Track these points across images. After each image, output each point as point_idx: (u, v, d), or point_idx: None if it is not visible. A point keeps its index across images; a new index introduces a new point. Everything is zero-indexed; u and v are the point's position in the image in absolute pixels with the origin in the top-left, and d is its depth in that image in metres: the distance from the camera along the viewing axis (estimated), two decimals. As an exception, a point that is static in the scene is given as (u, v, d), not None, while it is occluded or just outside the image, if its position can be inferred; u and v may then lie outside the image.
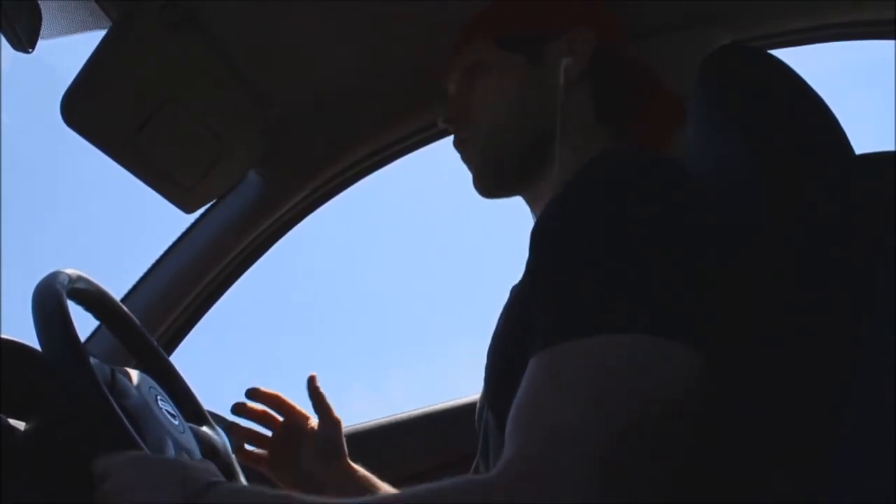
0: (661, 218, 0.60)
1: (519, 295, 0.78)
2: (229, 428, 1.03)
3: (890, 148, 0.60)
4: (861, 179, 0.60)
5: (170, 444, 0.78)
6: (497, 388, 0.75)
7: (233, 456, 0.99)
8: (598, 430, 0.51)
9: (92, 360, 0.72)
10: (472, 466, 0.92)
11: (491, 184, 0.93)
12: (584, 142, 0.85)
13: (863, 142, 0.67)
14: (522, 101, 0.89)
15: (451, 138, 0.96)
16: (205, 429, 0.96)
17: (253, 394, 1.06)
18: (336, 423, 1.06)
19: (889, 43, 1.20)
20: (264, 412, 1.07)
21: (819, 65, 1.27)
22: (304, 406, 1.08)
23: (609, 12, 0.94)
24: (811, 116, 0.68)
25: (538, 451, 0.52)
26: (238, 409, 1.06)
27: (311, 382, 1.07)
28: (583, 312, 0.56)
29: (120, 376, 0.80)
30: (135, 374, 0.85)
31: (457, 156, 0.95)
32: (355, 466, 1.06)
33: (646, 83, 0.93)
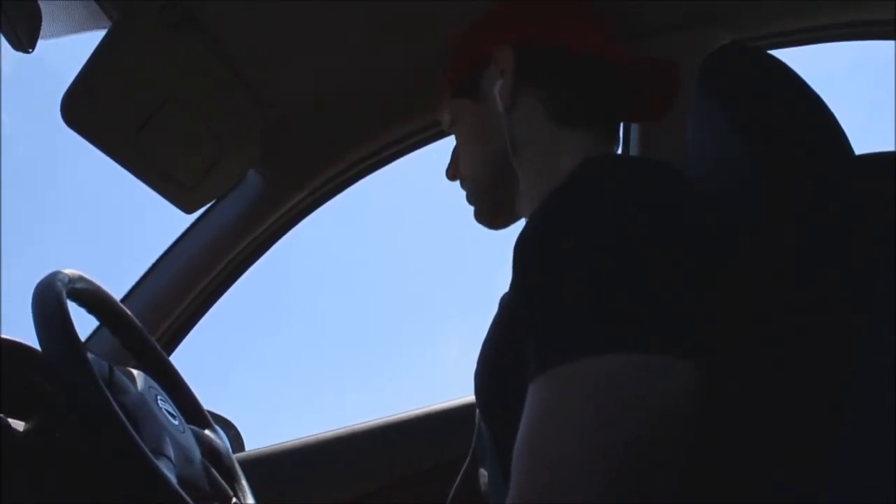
0: (648, 226, 0.59)
1: (508, 306, 0.77)
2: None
3: (890, 148, 0.60)
4: (861, 179, 0.60)
5: (167, 441, 0.78)
6: (487, 399, 0.75)
7: (234, 459, 0.98)
8: (600, 457, 0.51)
9: (90, 356, 0.72)
10: (463, 469, 0.92)
11: (489, 223, 0.97)
12: (552, 147, 0.85)
13: (863, 142, 0.67)
14: (485, 141, 0.90)
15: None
16: (207, 432, 0.96)
17: None
18: None
19: (889, 43, 1.20)
20: None
21: (819, 65, 1.27)
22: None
23: (532, 5, 0.91)
24: (811, 116, 0.68)
25: (542, 484, 0.52)
26: None
27: None
28: (574, 333, 0.55)
29: (118, 373, 0.80)
30: (135, 374, 0.85)
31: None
32: None
33: (601, 62, 0.88)
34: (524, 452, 0.55)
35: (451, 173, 0.99)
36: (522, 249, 0.64)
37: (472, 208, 0.97)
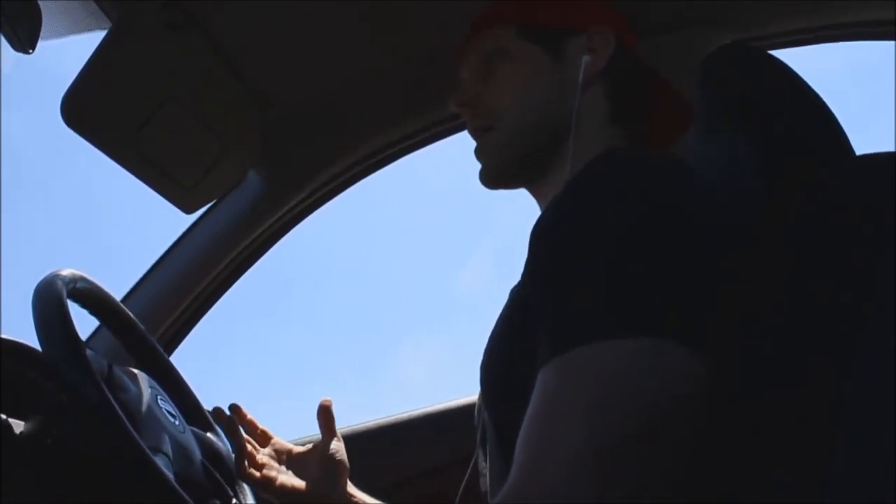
0: (659, 218, 0.59)
1: (517, 296, 0.78)
2: (224, 421, 0.98)
3: (890, 148, 0.60)
4: (861, 179, 0.60)
5: (166, 439, 0.78)
6: (494, 391, 0.75)
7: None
8: (599, 449, 0.51)
9: (89, 353, 0.72)
10: (471, 464, 0.92)
11: (498, 174, 0.91)
12: (594, 141, 0.85)
13: (863, 142, 0.67)
14: (541, 94, 0.87)
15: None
16: (209, 434, 0.95)
17: (234, 410, 1.00)
18: (340, 441, 1.01)
19: (889, 43, 1.20)
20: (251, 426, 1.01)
21: (819, 65, 1.27)
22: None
23: (622, 14, 0.93)
24: (811, 116, 0.68)
25: (539, 475, 0.52)
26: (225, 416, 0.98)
27: (326, 408, 1.01)
28: (584, 319, 0.56)
29: (117, 371, 0.80)
30: (136, 374, 0.85)
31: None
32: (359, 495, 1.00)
33: (657, 86, 0.93)
34: (524, 441, 0.55)
35: (463, 100, 0.92)
36: (537, 237, 0.64)
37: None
